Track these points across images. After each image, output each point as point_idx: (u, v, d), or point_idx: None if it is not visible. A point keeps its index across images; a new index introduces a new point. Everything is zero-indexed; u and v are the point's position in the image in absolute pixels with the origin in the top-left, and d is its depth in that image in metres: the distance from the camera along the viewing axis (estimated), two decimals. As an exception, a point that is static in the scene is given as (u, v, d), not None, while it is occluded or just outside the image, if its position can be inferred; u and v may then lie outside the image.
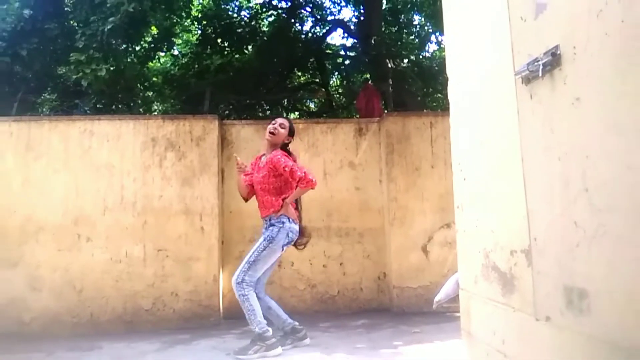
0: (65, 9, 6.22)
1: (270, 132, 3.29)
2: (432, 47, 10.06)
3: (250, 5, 9.61)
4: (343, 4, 9.99)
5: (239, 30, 8.91)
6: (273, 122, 3.36)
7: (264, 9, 9.63)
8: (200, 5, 8.86)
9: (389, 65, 7.92)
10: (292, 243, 3.28)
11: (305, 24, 10.03)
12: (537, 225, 1.29)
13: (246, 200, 3.47)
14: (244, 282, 3.11)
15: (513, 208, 1.41)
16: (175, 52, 9.35)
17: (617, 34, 0.97)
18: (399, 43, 9.29)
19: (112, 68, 5.49)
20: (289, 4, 9.37)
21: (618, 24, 0.96)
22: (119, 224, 4.22)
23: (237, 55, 8.90)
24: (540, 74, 1.21)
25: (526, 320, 1.35)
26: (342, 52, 10.36)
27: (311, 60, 9.93)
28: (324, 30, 9.97)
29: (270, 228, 3.21)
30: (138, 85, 7.83)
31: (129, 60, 6.75)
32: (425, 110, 7.43)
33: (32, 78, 6.59)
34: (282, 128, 3.31)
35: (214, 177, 4.38)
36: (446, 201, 4.26)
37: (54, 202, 4.17)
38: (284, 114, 10.21)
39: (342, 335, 3.39)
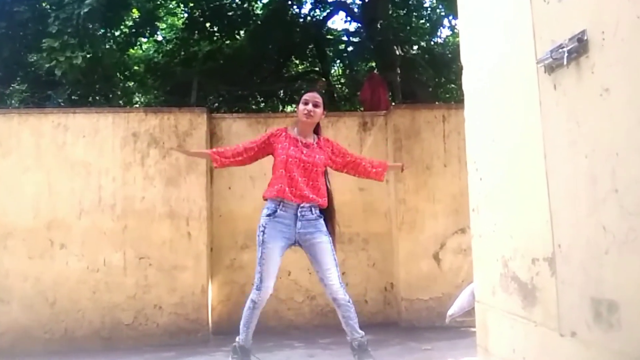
0: (37, -11, 6.23)
1: (305, 114, 3.22)
2: (444, 32, 10.09)
3: (243, -15, 9.61)
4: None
5: (230, 14, 8.92)
6: (305, 101, 3.24)
7: (258, -10, 9.64)
8: (186, -14, 8.87)
9: (397, 53, 7.94)
10: None
11: (303, 6, 10.05)
12: (562, 230, 1.29)
13: (221, 165, 3.29)
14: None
15: (535, 211, 1.41)
16: (159, 38, 9.38)
17: (650, 18, 0.97)
18: (408, 28, 9.32)
19: (88, 55, 5.50)
20: (286, -16, 9.38)
21: (651, 6, 0.96)
22: (96, 229, 4.22)
23: (227, 41, 8.92)
24: (564, 62, 1.21)
25: (549, 335, 1.35)
26: (345, 38, 10.39)
27: (310, 46, 9.95)
28: (325, 14, 9.98)
29: (322, 222, 3.21)
30: (117, 74, 7.84)
31: (107, 46, 6.76)
32: (436, 102, 7.44)
33: (0, 66, 6.59)
34: (317, 107, 3.25)
35: (202, 177, 4.38)
36: (460, 203, 4.26)
37: (24, 203, 4.17)
38: (280, 106, 10.24)
39: (344, 352, 3.38)
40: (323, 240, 3.15)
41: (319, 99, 3.28)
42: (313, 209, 3.18)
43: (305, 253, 3.22)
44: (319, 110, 3.27)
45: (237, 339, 3.19)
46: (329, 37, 10.22)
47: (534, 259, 1.44)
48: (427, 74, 8.69)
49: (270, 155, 3.30)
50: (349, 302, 3.14)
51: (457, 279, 4.33)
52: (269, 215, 3.12)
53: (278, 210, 3.11)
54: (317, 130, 3.37)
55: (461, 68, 2.00)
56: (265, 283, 3.06)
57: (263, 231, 3.09)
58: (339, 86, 11.03)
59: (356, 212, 4.68)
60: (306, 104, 3.24)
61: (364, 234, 4.68)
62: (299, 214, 3.13)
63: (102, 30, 6.28)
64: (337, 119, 4.89)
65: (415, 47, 9.23)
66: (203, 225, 4.33)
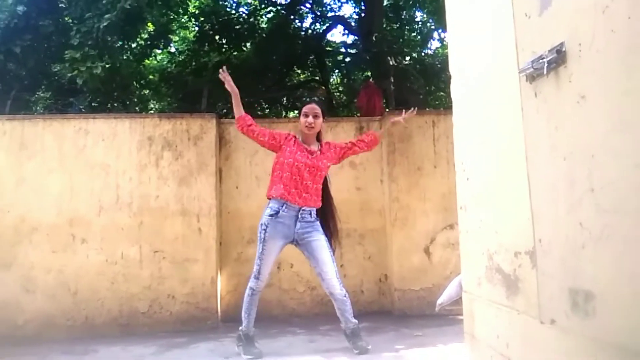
0: (60, 5, 6.22)
1: (307, 127, 3.24)
2: (434, 44, 10.07)
3: (249, 1, 9.62)
4: (344, 0, 9.99)
5: (237, 27, 8.92)
6: (305, 113, 3.25)
7: (263, 5, 9.64)
8: (197, 2, 8.86)
9: (391, 63, 7.93)
10: None
11: (305, 20, 10.05)
12: (542, 226, 1.29)
13: (242, 126, 3.27)
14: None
15: (517, 209, 1.41)
16: (172, 50, 9.35)
17: (623, 31, 0.97)
18: (401, 40, 9.30)
19: (107, 66, 5.49)
20: (289, 0, 9.38)
21: (624, 20, 0.96)
22: (114, 225, 4.21)
23: (235, 53, 8.91)
24: (544, 72, 1.21)
25: (530, 323, 1.35)
26: (343, 49, 10.38)
27: (311, 57, 9.93)
28: (324, 27, 9.98)
29: (319, 223, 3.21)
30: (134, 83, 7.83)
31: (124, 57, 6.75)
32: (427, 109, 7.42)
33: (26, 76, 6.59)
34: (317, 118, 3.26)
35: (212, 177, 4.38)
36: (449, 201, 4.26)
37: (48, 202, 4.17)
38: (283, 113, 10.23)
39: (342, 338, 3.38)
40: (319, 238, 3.16)
41: (318, 110, 3.28)
42: (312, 212, 3.18)
43: (302, 251, 3.21)
44: (319, 121, 3.28)
45: (240, 328, 3.20)
46: (328, 48, 10.22)
47: (516, 253, 1.44)
48: (419, 83, 8.67)
49: (273, 153, 3.33)
50: (345, 296, 3.15)
51: (446, 271, 4.33)
52: (271, 215, 3.11)
53: (280, 212, 3.11)
54: (318, 136, 3.37)
55: (450, 77, 2.00)
56: (263, 274, 3.15)
57: (265, 230, 3.10)
58: (338, 94, 11.01)
59: (353, 210, 4.67)
60: (306, 116, 3.25)
61: (360, 229, 4.67)
62: (299, 216, 3.13)
63: (120, 43, 6.27)
64: (336, 123, 4.88)
65: (407, 58, 9.20)
66: (212, 221, 4.32)
